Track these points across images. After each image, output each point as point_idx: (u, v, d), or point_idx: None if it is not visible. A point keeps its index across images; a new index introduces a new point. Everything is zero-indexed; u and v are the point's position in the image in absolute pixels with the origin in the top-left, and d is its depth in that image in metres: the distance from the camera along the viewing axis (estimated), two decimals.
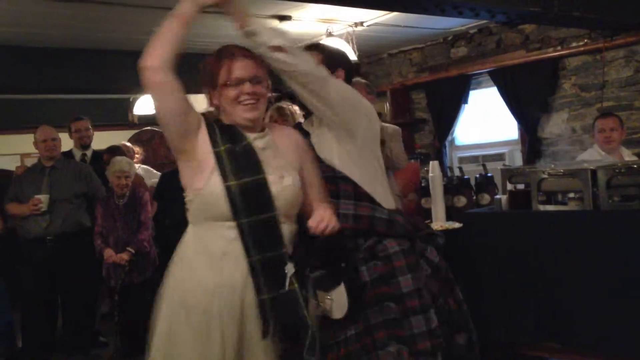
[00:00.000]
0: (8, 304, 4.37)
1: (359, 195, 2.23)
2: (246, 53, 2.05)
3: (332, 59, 2.35)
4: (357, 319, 2.13)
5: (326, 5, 4.21)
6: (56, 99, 7.58)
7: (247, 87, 2.00)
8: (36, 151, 4.71)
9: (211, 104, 2.08)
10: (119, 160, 4.54)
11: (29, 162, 6.19)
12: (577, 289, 2.95)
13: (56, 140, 4.61)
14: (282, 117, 4.06)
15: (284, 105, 4.11)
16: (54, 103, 7.64)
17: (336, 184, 2.22)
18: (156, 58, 1.88)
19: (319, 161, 2.21)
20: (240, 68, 2.02)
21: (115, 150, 5.40)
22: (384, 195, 2.29)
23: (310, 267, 2.08)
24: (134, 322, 4.38)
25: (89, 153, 5.34)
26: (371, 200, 2.25)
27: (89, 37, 4.94)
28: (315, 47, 2.41)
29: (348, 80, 2.40)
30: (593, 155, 4.21)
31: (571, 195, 3.09)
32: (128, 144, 6.54)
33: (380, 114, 3.66)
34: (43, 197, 4.36)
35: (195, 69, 6.44)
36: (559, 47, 4.98)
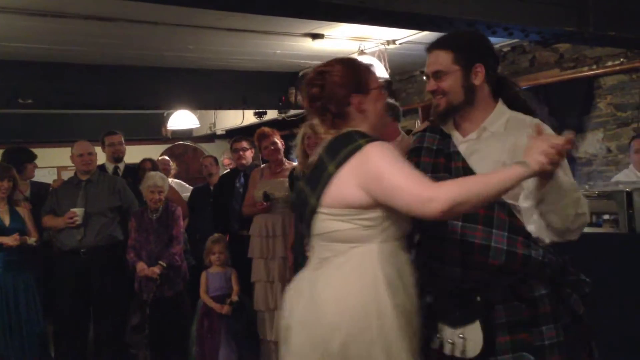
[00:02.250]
0: (42, 315, 4.45)
1: (515, 227, 1.87)
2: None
3: (465, 56, 1.98)
4: None
5: (358, 24, 4.25)
6: (92, 114, 7.76)
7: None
8: (72, 164, 4.82)
9: (359, 109, 1.91)
10: (153, 175, 4.61)
11: (66, 175, 6.34)
12: (612, 313, 2.90)
13: (92, 154, 4.71)
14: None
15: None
16: (90, 118, 7.82)
17: (492, 209, 1.86)
18: (456, 210, 1.66)
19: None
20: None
21: (153, 162, 5.54)
22: (537, 228, 1.86)
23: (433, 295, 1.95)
24: (164, 334, 4.43)
25: (121, 166, 5.45)
26: (527, 235, 1.88)
27: (124, 55, 5.06)
28: (441, 44, 2.03)
29: (491, 76, 2.00)
30: (629, 177, 4.14)
31: (606, 217, 3.05)
32: (166, 157, 6.65)
33: (410, 131, 3.63)
34: (79, 211, 4.45)
35: (222, 84, 6.44)
36: (594, 66, 4.91)
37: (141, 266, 4.36)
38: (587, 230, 3.10)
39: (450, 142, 2.02)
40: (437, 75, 2.00)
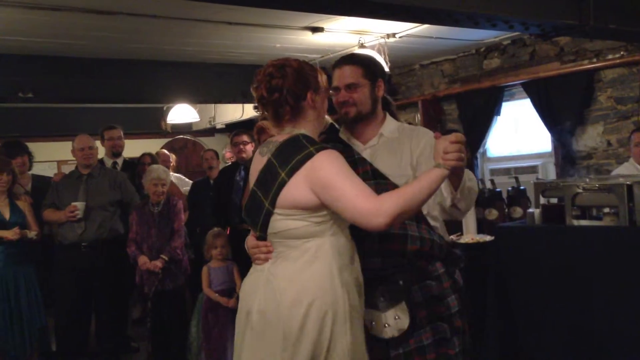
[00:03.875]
0: (43, 308, 4.45)
1: (418, 217, 2.19)
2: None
3: (371, 72, 2.32)
4: (409, 338, 2.11)
5: (358, 17, 4.24)
6: (92, 108, 7.75)
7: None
8: (73, 158, 4.82)
9: (312, 106, 2.07)
10: (156, 168, 4.62)
11: (66, 169, 6.34)
12: (611, 307, 2.90)
13: (93, 148, 4.71)
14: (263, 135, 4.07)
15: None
16: (90, 111, 7.81)
17: None
18: (399, 220, 1.87)
19: (381, 177, 2.19)
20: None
21: (153, 157, 5.53)
22: (433, 218, 2.27)
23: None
24: (166, 327, 4.44)
25: (119, 161, 5.44)
26: (427, 222, 2.23)
27: (123, 48, 5.05)
28: (350, 61, 2.34)
29: (384, 91, 2.37)
30: (629, 170, 4.14)
31: (606, 210, 3.05)
32: (166, 151, 6.65)
33: (410, 124, 3.63)
34: (79, 205, 4.45)
35: (222, 77, 6.43)
36: (594, 60, 4.91)
37: (143, 260, 4.37)
38: (587, 223, 3.11)
39: (353, 151, 2.27)
40: (350, 87, 2.26)
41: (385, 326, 2.11)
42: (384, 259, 2.13)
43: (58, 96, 5.52)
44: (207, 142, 9.47)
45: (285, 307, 1.91)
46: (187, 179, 6.60)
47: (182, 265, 4.54)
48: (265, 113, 2.07)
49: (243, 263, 4.44)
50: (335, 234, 1.97)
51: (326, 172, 1.88)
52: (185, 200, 5.48)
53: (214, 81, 5.94)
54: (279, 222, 1.95)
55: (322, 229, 1.95)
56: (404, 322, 2.10)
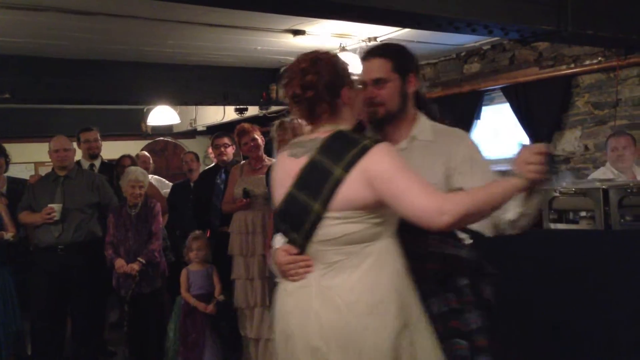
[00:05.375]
0: (19, 311, 4.39)
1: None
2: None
3: (401, 64, 2.06)
4: None
5: (340, 21, 4.25)
6: (70, 109, 7.67)
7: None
8: (50, 160, 4.76)
9: (347, 102, 1.89)
10: (134, 170, 4.58)
11: (43, 170, 6.26)
12: (587, 310, 2.94)
13: (69, 150, 4.65)
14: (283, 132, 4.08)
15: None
16: (68, 113, 7.73)
17: None
18: (462, 222, 1.71)
19: None
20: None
21: (133, 159, 5.49)
22: (481, 225, 1.99)
23: None
24: (143, 331, 4.40)
25: (97, 163, 5.38)
26: (454, 236, 2.02)
27: (102, 49, 5.00)
28: (378, 52, 2.08)
29: (416, 87, 2.10)
30: (605, 174, 4.19)
31: (583, 214, 3.08)
32: (146, 153, 6.60)
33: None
34: (56, 207, 4.39)
35: (203, 79, 6.39)
36: (572, 65, 4.97)
37: (120, 263, 4.32)
38: (564, 227, 3.14)
39: None
40: (378, 82, 2.02)
41: None
42: None
43: (36, 97, 5.46)
44: (188, 144, 9.43)
45: (357, 323, 1.72)
46: (167, 181, 6.56)
47: (159, 268, 4.51)
48: (296, 111, 1.91)
49: (223, 266, 4.43)
50: (392, 235, 1.82)
51: (386, 165, 1.71)
52: (165, 202, 5.44)
53: (194, 83, 5.92)
54: (334, 227, 1.75)
55: (381, 230, 1.78)
56: None
